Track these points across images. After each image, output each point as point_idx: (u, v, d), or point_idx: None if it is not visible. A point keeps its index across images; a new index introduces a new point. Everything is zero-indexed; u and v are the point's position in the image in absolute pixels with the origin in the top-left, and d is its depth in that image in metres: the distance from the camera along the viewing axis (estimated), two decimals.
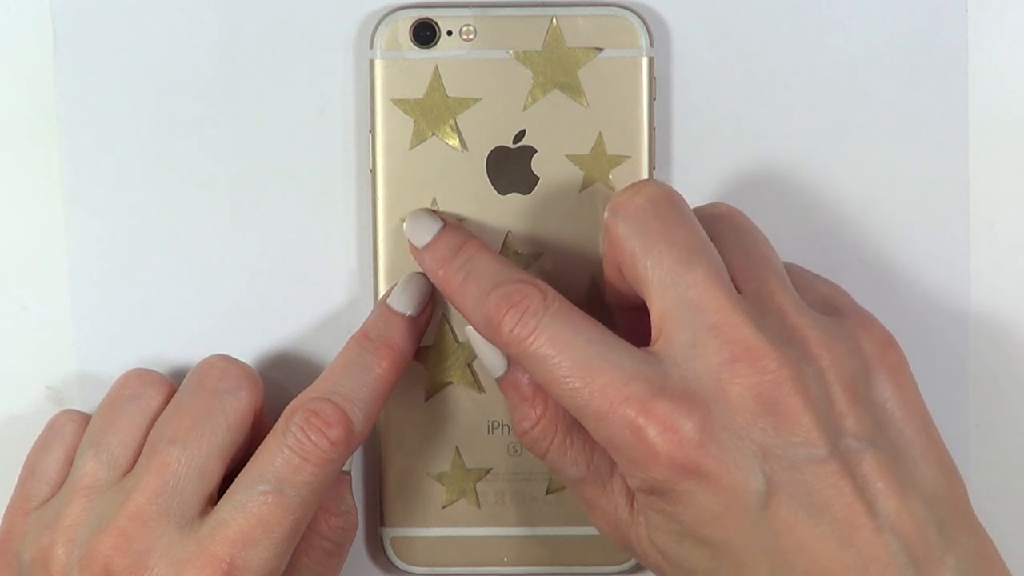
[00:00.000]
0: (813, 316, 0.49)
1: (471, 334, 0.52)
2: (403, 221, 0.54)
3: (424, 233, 0.53)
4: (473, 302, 0.50)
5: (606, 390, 0.47)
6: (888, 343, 0.49)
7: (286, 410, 0.51)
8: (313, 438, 0.50)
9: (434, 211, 0.54)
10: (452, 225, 0.53)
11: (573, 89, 0.54)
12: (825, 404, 0.47)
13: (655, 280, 0.48)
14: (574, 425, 0.51)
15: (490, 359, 0.52)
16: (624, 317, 0.52)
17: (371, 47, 0.55)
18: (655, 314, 0.48)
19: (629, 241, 0.49)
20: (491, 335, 0.49)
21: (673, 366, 0.47)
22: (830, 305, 0.51)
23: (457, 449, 0.56)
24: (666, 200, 0.49)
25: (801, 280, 0.51)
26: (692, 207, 0.50)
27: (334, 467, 0.51)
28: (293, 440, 0.50)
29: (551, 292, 0.49)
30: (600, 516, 0.52)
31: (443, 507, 0.56)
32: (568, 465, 0.51)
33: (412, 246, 0.54)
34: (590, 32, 0.54)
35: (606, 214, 0.50)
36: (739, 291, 0.49)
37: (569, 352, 0.48)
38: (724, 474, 0.46)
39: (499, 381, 0.52)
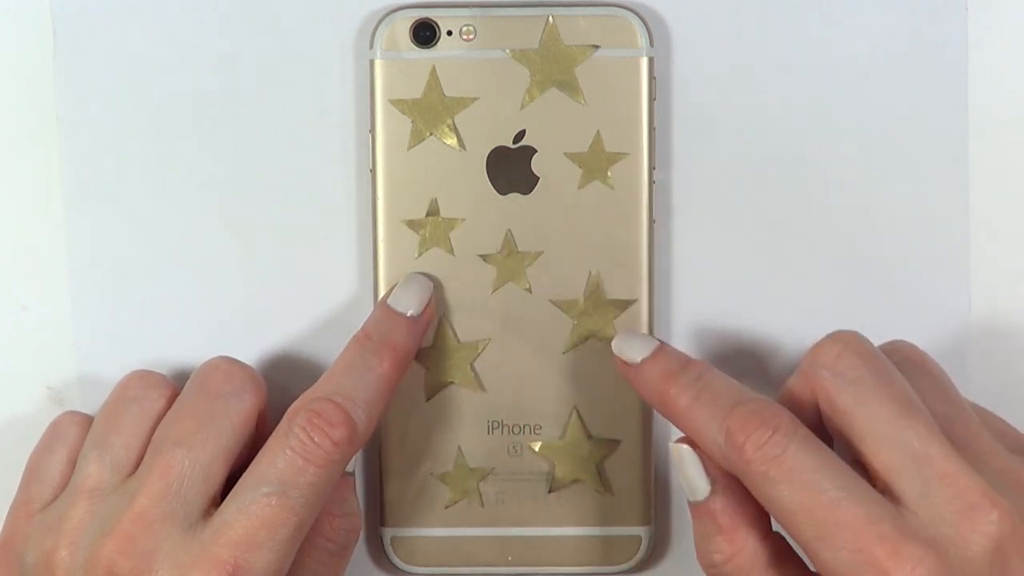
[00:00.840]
0: (1013, 458, 0.49)
1: (679, 451, 0.50)
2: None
3: (641, 349, 0.52)
4: (708, 416, 0.49)
5: (855, 523, 0.46)
6: None
7: (288, 411, 0.51)
8: (316, 439, 0.50)
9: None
10: (667, 344, 0.52)
11: (570, 87, 0.54)
12: None
13: (876, 433, 0.48)
14: (771, 565, 0.49)
15: (694, 480, 0.50)
16: None
17: (371, 47, 0.55)
18: (879, 466, 0.47)
19: (841, 397, 0.48)
20: (731, 451, 0.48)
21: (909, 513, 0.46)
22: (1015, 442, 0.51)
23: (460, 449, 0.56)
24: (872, 353, 0.49)
25: (979, 416, 0.51)
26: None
27: (337, 468, 0.51)
28: (296, 441, 0.50)
29: (795, 416, 0.48)
30: None
31: (446, 507, 0.56)
32: None
33: (623, 362, 0.52)
34: (590, 32, 0.54)
35: (810, 366, 0.49)
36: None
37: (820, 479, 0.47)
38: None
39: (695, 506, 0.50)
